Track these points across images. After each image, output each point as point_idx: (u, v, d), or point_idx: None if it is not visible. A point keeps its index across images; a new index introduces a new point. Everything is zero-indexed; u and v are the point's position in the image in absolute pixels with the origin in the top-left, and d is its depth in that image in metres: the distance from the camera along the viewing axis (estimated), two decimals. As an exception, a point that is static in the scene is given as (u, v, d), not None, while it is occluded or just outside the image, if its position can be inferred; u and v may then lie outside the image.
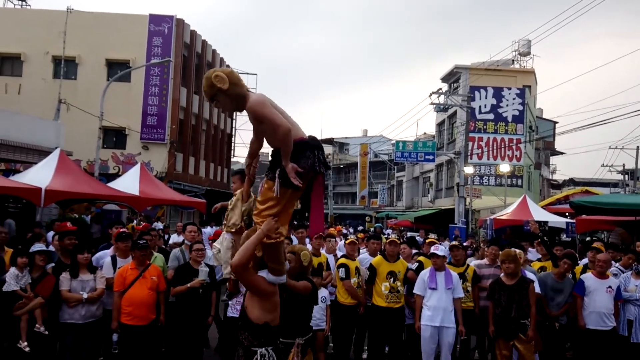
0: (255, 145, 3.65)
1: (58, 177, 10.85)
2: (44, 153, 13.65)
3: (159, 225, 17.09)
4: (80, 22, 24.66)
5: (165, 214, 22.64)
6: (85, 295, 5.42)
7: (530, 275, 6.50)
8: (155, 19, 25.72)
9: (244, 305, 3.48)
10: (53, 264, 5.93)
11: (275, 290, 3.44)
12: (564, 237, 17.50)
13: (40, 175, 10.88)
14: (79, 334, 5.48)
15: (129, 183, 13.57)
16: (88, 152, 20.90)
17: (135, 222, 17.14)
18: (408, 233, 25.51)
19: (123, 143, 25.64)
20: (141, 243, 5.66)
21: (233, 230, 3.77)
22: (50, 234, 8.79)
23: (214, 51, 31.18)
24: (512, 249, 6.58)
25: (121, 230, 6.63)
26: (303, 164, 3.23)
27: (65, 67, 24.40)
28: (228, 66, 34.08)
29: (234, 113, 35.32)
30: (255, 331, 3.33)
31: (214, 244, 4.21)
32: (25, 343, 5.15)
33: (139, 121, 25.22)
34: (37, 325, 5.26)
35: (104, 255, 6.44)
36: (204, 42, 29.57)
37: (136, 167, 14.69)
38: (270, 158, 3.41)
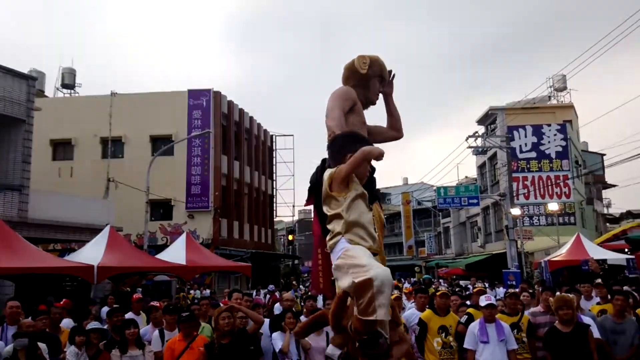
0: None
1: (109, 254, 11.24)
2: (95, 231, 14.21)
3: (207, 292, 17.25)
4: (124, 104, 26.25)
5: (214, 280, 22.85)
6: (134, 354, 5.51)
7: (587, 320, 6.15)
8: (193, 94, 27.07)
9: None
10: (105, 341, 6.07)
11: None
12: (627, 274, 16.55)
13: (92, 253, 11.31)
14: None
15: (176, 253, 13.83)
16: (137, 226, 21.58)
17: (191, 291, 17.42)
18: (460, 281, 24.71)
19: (169, 214, 26.45)
20: (184, 316, 5.74)
21: None
22: (105, 309, 9.02)
23: (251, 118, 32.33)
24: (566, 293, 6.27)
25: (166, 303, 6.75)
26: None
27: (112, 147, 25.79)
28: (266, 131, 35.16)
29: (274, 174, 36.13)
30: None
31: None
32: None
33: (184, 191, 26.08)
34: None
35: (146, 332, 6.54)
36: (241, 111, 30.76)
37: (182, 237, 15.02)
38: None
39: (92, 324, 6.09)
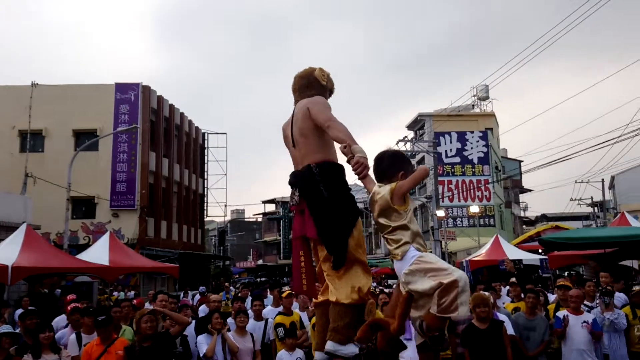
0: None
1: (25, 253, 10.60)
2: (11, 229, 13.35)
3: (131, 294, 16.66)
4: (46, 95, 24.80)
5: (139, 282, 22.09)
6: (49, 359, 5.23)
7: (502, 317, 6.51)
8: (121, 88, 26.02)
9: None
10: (16, 346, 5.72)
11: None
12: (540, 273, 17.66)
13: (6, 253, 10.61)
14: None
15: (98, 253, 13.31)
16: (57, 224, 20.51)
17: (115, 293, 16.74)
18: (389, 281, 25.38)
19: (92, 212, 25.27)
20: (101, 319, 5.53)
21: None
22: (19, 311, 8.51)
23: (182, 114, 31.50)
24: (482, 292, 6.62)
25: (74, 306, 6.46)
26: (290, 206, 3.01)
27: (31, 140, 24.27)
28: (197, 128, 34.43)
29: (205, 173, 35.50)
30: None
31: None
32: None
33: (108, 189, 25.01)
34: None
35: (63, 335, 6.24)
36: (172, 107, 29.90)
37: (105, 236, 14.45)
38: None
39: (3, 328, 5.72)
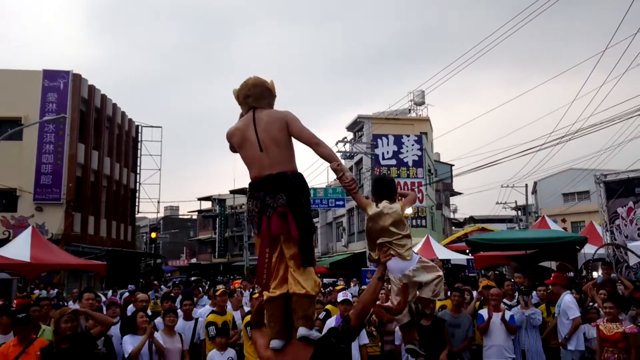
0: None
1: None
2: None
3: (54, 293, 15.85)
4: (-36, 79, 23.07)
5: (63, 280, 21.03)
6: None
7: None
8: (49, 75, 24.67)
9: None
10: None
11: (272, 358, 3.09)
12: (467, 273, 18.44)
13: None
14: None
15: (19, 249, 12.57)
16: (-28, 218, 19.17)
17: (36, 291, 15.85)
18: (323, 279, 25.61)
19: (14, 205, 23.78)
20: (20, 317, 5.23)
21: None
22: None
23: (114, 105, 30.28)
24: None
25: (1, 304, 6.06)
26: (249, 206, 3.18)
27: (-55, 126, 22.51)
28: (131, 120, 33.21)
29: (138, 167, 34.32)
30: None
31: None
32: None
33: (32, 181, 23.61)
34: None
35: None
36: (104, 97, 28.67)
37: (27, 231, 13.65)
38: None
39: None
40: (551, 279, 8.05)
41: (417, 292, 3.27)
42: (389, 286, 3.51)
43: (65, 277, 21.94)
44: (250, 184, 3.27)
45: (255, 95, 3.31)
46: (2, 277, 14.90)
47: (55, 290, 17.06)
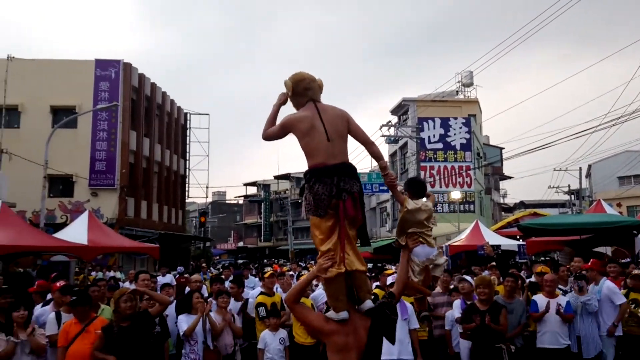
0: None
1: (-1, 231, 10.36)
2: (-16, 206, 13.01)
3: (110, 274, 16.49)
4: (23, 70, 24.16)
5: (118, 262, 21.89)
6: (22, 337, 5.15)
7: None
8: (101, 64, 25.47)
9: None
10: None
11: (338, 330, 3.23)
12: (517, 259, 17.94)
13: (-21, 231, 10.35)
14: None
15: (76, 232, 13.06)
16: (33, 203, 20.12)
17: (93, 273, 16.60)
18: (369, 264, 25.62)
19: (70, 191, 24.85)
20: (76, 298, 5.45)
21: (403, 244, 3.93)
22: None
23: (164, 93, 31.01)
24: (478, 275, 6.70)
25: (64, 284, 6.34)
26: (319, 190, 3.25)
27: (7, 115, 23.67)
28: (180, 108, 33.96)
29: (187, 154, 35.20)
30: None
31: None
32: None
33: (87, 167, 24.58)
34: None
35: (44, 312, 6.13)
36: (153, 85, 29.39)
37: (84, 215, 14.20)
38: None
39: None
40: (589, 264, 7.83)
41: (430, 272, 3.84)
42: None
43: (120, 259, 22.82)
44: (317, 170, 3.36)
45: (314, 89, 3.55)
46: (61, 259, 15.59)
47: (117, 272, 17.78)
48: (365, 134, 3.61)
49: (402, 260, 3.74)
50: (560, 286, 7.35)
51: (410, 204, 3.72)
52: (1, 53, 52.96)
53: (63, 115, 22.87)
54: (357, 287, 3.33)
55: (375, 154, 3.64)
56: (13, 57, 24.02)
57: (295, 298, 3.40)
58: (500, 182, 45.14)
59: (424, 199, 3.89)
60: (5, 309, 5.45)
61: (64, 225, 18.08)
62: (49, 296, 6.98)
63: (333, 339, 3.22)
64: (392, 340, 3.42)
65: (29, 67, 24.63)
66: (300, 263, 21.08)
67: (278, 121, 3.54)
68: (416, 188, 3.95)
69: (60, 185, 24.82)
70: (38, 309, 6.45)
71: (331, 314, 3.26)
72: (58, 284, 6.33)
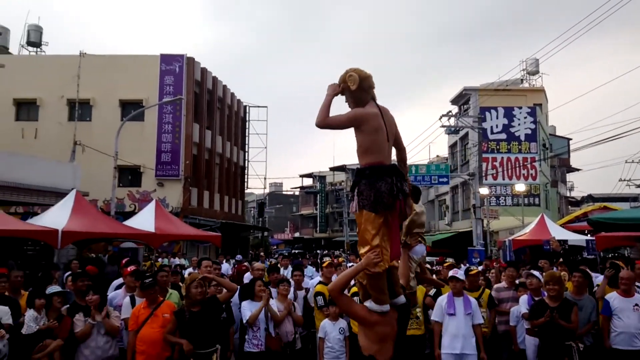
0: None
1: (74, 218, 10.91)
2: (60, 195, 13.80)
3: (176, 261, 17.11)
4: (93, 65, 25.36)
5: (182, 249, 22.70)
6: (98, 318, 5.44)
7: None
8: (166, 59, 26.35)
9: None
10: (68, 306, 5.95)
11: (381, 320, 3.35)
12: (585, 255, 17.10)
13: (56, 217, 10.96)
14: (95, 376, 5.44)
15: (144, 220, 13.55)
16: (104, 192, 21.14)
17: (159, 259, 17.36)
18: (426, 257, 25.23)
19: (138, 181, 25.97)
20: (146, 282, 5.66)
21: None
22: (68, 274, 8.83)
23: (224, 86, 31.74)
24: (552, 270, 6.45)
25: (134, 269, 6.63)
26: (381, 187, 3.32)
27: (79, 109, 24.99)
28: (239, 101, 34.64)
29: (246, 145, 35.91)
30: None
31: None
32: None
33: (154, 159, 25.59)
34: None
35: (116, 296, 6.43)
36: (215, 79, 30.12)
37: (151, 204, 14.73)
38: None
39: (53, 288, 5.92)
40: None
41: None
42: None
43: (184, 246, 23.66)
44: (379, 168, 3.40)
45: (373, 88, 3.57)
46: (130, 246, 16.32)
47: (182, 259, 18.44)
48: (403, 141, 3.81)
49: (404, 257, 4.09)
50: (638, 283, 6.92)
51: (418, 208, 4.25)
52: (74, 50, 55.89)
53: (131, 109, 23.86)
54: (393, 282, 3.46)
55: (404, 160, 3.78)
56: (85, 54, 25.29)
57: (340, 289, 3.45)
58: (567, 174, 43.09)
59: (420, 204, 4.47)
60: (83, 292, 5.78)
61: (132, 213, 18.89)
62: (120, 280, 7.32)
63: (377, 329, 3.33)
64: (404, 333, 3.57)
65: (99, 62, 25.87)
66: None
67: (332, 113, 3.47)
68: (418, 194, 4.51)
69: (129, 175, 25.97)
70: (111, 292, 6.78)
71: (372, 305, 3.35)
72: (129, 269, 6.62)
